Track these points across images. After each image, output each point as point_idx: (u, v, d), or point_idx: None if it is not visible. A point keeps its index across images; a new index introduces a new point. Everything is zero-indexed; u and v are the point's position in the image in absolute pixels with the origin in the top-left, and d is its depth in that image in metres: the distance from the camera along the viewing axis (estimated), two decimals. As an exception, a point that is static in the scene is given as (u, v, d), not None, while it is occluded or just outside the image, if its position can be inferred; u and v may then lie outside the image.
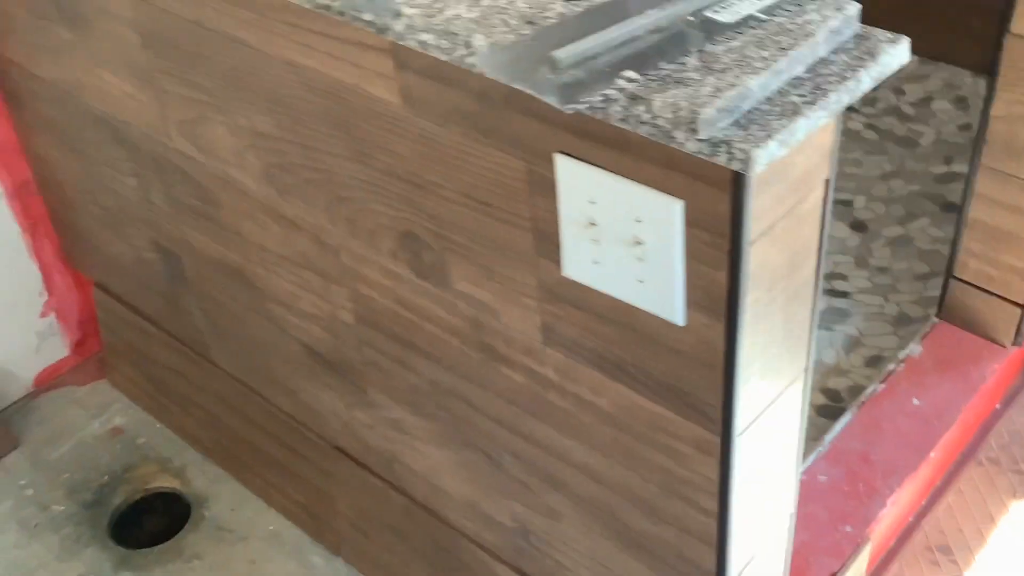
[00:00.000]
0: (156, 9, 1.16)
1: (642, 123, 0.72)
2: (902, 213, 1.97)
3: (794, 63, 0.74)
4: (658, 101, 0.71)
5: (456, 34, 0.81)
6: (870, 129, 2.19)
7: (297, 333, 1.34)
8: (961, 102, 2.23)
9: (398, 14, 0.85)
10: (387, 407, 1.27)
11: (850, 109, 2.26)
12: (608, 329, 0.92)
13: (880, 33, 0.78)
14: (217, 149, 1.24)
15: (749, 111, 0.72)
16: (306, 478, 1.53)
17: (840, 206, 1.99)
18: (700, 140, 0.70)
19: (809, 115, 0.71)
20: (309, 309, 1.28)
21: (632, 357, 0.92)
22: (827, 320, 1.76)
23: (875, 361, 1.66)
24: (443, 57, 0.83)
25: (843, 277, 1.85)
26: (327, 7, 0.90)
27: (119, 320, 1.74)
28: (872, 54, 0.76)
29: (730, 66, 0.73)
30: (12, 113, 1.63)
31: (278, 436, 1.53)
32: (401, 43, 0.86)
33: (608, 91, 0.73)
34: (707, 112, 0.69)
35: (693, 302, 0.83)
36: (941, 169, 2.06)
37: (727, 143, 0.70)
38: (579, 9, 0.81)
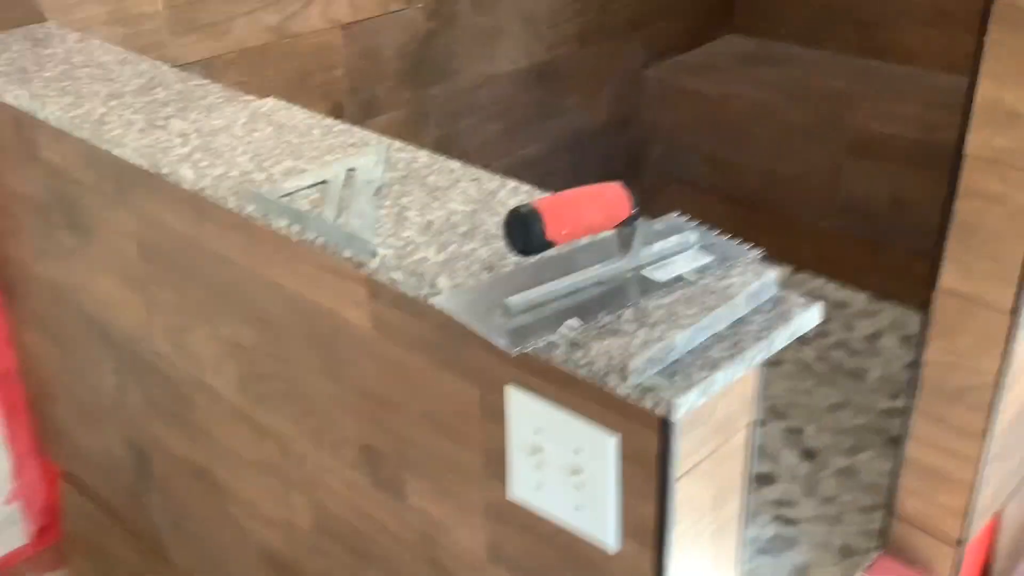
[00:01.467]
0: (157, 225, 1.27)
1: (580, 367, 0.81)
2: (849, 444, 2.05)
3: (716, 321, 0.84)
4: (595, 349, 0.81)
5: (423, 275, 0.91)
6: (821, 361, 2.30)
7: (256, 537, 1.37)
8: (907, 340, 2.36)
9: (374, 254, 0.95)
10: (337, 615, 1.30)
11: (802, 342, 2.39)
12: (549, 552, 0.98)
13: (795, 298, 0.89)
14: (198, 355, 1.32)
15: (674, 362, 0.81)
16: None
17: (791, 434, 2.08)
18: (630, 386, 0.79)
19: (727, 369, 0.81)
20: (269, 514, 1.33)
21: (570, 579, 0.97)
22: (775, 548, 1.80)
23: (820, 592, 1.70)
24: (410, 293, 0.93)
25: (791, 505, 1.90)
26: (312, 241, 1.01)
27: (81, 512, 1.76)
28: (786, 317, 0.86)
29: (660, 320, 0.83)
30: (6, 305, 1.72)
31: (227, 639, 1.53)
32: (375, 278, 0.96)
33: (552, 337, 0.82)
34: (636, 362, 0.79)
35: (626, 530, 0.89)
36: (887, 404, 2.16)
37: (653, 390, 0.78)
38: (532, 260, 0.92)
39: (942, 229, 1.47)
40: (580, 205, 0.83)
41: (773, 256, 2.93)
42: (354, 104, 2.06)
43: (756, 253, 0.92)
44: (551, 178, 2.55)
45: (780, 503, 1.91)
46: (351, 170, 1.07)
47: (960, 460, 1.57)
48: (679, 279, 0.88)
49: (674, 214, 0.98)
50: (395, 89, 2.12)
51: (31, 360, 1.73)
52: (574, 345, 0.82)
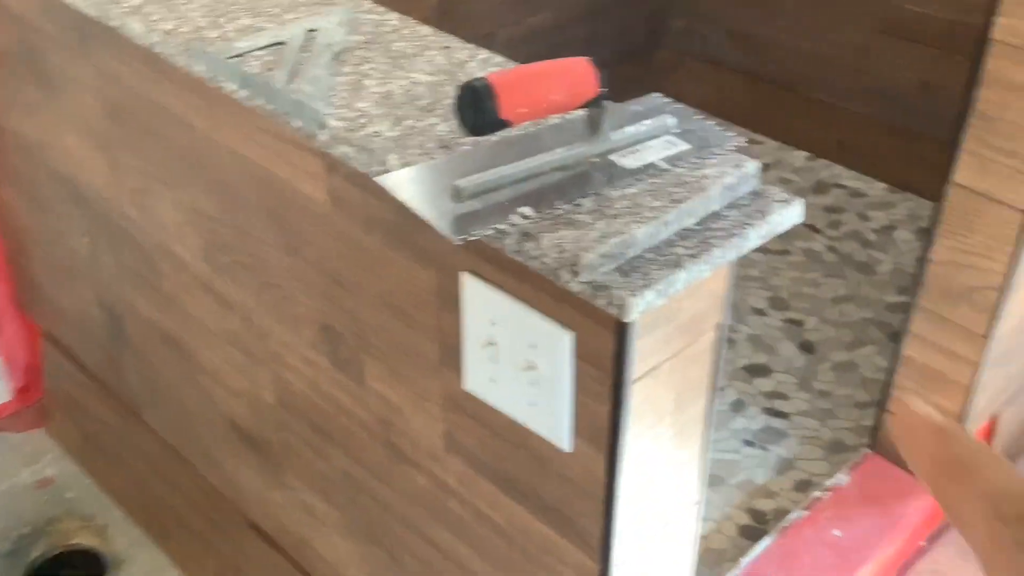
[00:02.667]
0: (116, 82, 1.20)
1: (531, 259, 0.75)
2: (851, 338, 2.00)
3: (684, 215, 0.77)
4: (546, 240, 0.74)
5: (373, 151, 0.84)
6: (831, 251, 2.23)
7: (224, 407, 1.35)
8: (923, 233, 2.27)
9: (323, 125, 0.88)
10: (300, 491, 1.28)
11: (814, 230, 2.30)
12: (504, 445, 0.94)
13: (775, 193, 0.81)
14: (161, 221, 1.26)
15: (633, 258, 0.74)
16: (222, 551, 1.53)
17: (791, 325, 2.02)
18: (582, 282, 0.73)
19: (690, 268, 0.74)
20: (235, 385, 1.30)
21: (524, 476, 0.93)
22: (763, 439, 1.77)
23: (804, 486, 1.67)
24: (361, 170, 0.86)
25: (784, 397, 1.86)
26: (262, 107, 0.93)
27: (62, 371, 1.75)
28: (764, 213, 0.79)
29: (622, 212, 0.76)
30: (-19, 159, 1.67)
31: (199, 506, 1.53)
32: (328, 151, 0.89)
33: (502, 226, 0.75)
34: (589, 257, 0.72)
35: (579, 431, 0.85)
36: (894, 298, 2.09)
37: (607, 288, 0.72)
38: (493, 139, 0.84)
39: (961, 119, 1.37)
40: (540, 81, 0.75)
41: (792, 140, 2.82)
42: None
43: (739, 140, 0.84)
44: (562, 50, 2.41)
45: (773, 395, 1.87)
46: (311, 31, 0.99)
47: (959, 362, 1.52)
48: (650, 166, 0.81)
49: (654, 94, 0.89)
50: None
51: (8, 215, 1.69)
52: (526, 235, 0.75)
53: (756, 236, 0.78)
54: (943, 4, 2.17)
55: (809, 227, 2.27)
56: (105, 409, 1.67)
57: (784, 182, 2.41)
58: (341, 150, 0.86)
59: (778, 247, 2.23)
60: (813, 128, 2.46)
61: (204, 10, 1.03)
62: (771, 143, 2.53)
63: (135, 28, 1.01)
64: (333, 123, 0.87)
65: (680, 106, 0.89)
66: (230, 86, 0.94)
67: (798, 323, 2.03)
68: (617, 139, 0.83)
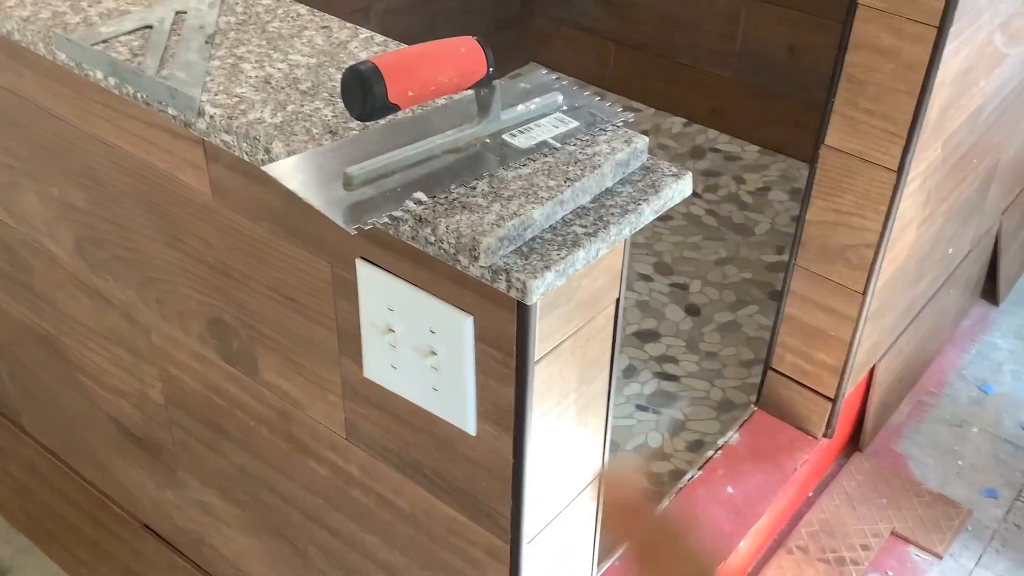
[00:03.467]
0: (-30, 72, 1.13)
1: (429, 244, 0.74)
2: (733, 299, 2.05)
3: (579, 194, 0.77)
4: (443, 225, 0.73)
5: (256, 139, 0.81)
6: (710, 215, 2.28)
7: (107, 408, 1.29)
8: (796, 194, 2.35)
9: (201, 112, 0.84)
10: (196, 489, 1.24)
11: (694, 195, 2.35)
12: (407, 432, 0.93)
13: (665, 167, 0.82)
14: (29, 217, 1.20)
15: (531, 239, 0.74)
16: (115, 556, 1.47)
17: (677, 289, 2.06)
18: (481, 267, 0.72)
19: (589, 247, 0.74)
20: (119, 385, 1.25)
21: (429, 461, 0.93)
22: (656, 403, 1.81)
23: (697, 446, 1.71)
24: (245, 158, 0.83)
25: (674, 361, 1.91)
26: (133, 96, 0.89)
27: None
28: (656, 187, 0.80)
29: (518, 193, 0.76)
30: None
31: (87, 510, 1.47)
32: (208, 139, 0.86)
33: (396, 212, 0.74)
34: (487, 241, 0.71)
35: (483, 414, 0.84)
36: (772, 258, 2.16)
37: (507, 271, 0.72)
38: (381, 123, 0.82)
39: (831, 82, 1.41)
40: (427, 63, 0.74)
41: (667, 106, 2.86)
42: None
43: (627, 116, 0.85)
44: (438, 21, 2.40)
45: (663, 359, 1.91)
46: (180, 13, 0.95)
47: (839, 318, 1.57)
48: (543, 145, 0.80)
49: (542, 71, 0.89)
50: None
51: None
52: (422, 221, 0.74)
53: (650, 211, 0.79)
54: (807, -31, 2.23)
55: (689, 192, 2.32)
56: (-23, 416, 1.58)
57: (662, 148, 2.45)
58: (222, 138, 0.83)
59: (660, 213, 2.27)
60: (687, 94, 2.51)
61: (64, -7, 0.97)
62: (648, 110, 2.57)
63: (-12, 15, 0.95)
64: (211, 110, 0.84)
65: (567, 82, 0.88)
66: (97, 75, 0.89)
67: (683, 287, 2.07)
68: (507, 119, 0.82)
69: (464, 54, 0.75)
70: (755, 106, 2.43)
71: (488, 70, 0.77)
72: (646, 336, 1.96)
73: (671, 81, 2.52)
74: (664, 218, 2.24)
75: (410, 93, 0.73)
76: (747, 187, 2.36)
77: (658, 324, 1.98)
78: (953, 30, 1.30)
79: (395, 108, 0.74)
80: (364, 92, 0.72)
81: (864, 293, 1.52)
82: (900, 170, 1.40)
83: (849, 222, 1.49)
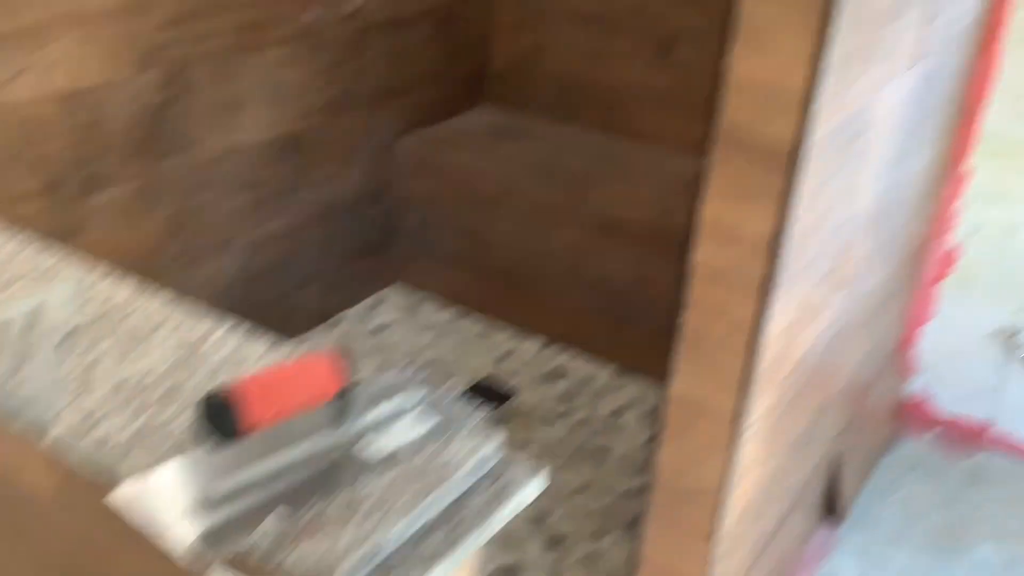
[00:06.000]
0: None
1: (284, 572, 0.74)
2: (593, 528, 2.07)
3: (433, 505, 0.79)
4: (298, 551, 0.73)
5: (100, 462, 0.80)
6: (564, 444, 2.32)
7: None
8: (648, 416, 2.43)
9: (51, 426, 0.83)
10: None
11: (547, 424, 2.40)
12: None
13: (518, 467, 0.85)
14: None
15: (388, 557, 0.75)
16: None
17: (537, 522, 2.07)
18: (338, 592, 0.72)
19: (444, 562, 0.76)
20: None
21: None
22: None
23: None
24: (93, 480, 0.82)
25: (537, 599, 1.89)
26: (-20, 402, 0.87)
27: None
28: (508, 492, 0.83)
29: (373, 509, 0.77)
30: None
31: None
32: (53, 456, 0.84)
33: (252, 538, 0.74)
34: (344, 566, 0.72)
35: None
36: (627, 484, 2.21)
37: (364, 595, 0.72)
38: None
39: (674, 311, 1.50)
40: (284, 387, 0.76)
41: (525, 328, 2.92)
42: (74, 180, 1.88)
43: (481, 414, 0.88)
44: (303, 251, 2.44)
45: (525, 598, 1.89)
46: (34, 311, 0.95)
47: (692, 559, 1.61)
48: (397, 453, 0.83)
49: (396, 369, 0.92)
50: (122, 162, 1.96)
51: None
52: (278, 544, 0.74)
53: (502, 517, 0.81)
54: (646, 207, 2.40)
55: (544, 419, 2.37)
56: None
57: (521, 371, 2.51)
58: (71, 458, 0.82)
59: (518, 441, 2.31)
60: (543, 320, 2.61)
61: (-90, 292, 0.96)
62: (508, 331, 2.64)
63: None
64: (62, 423, 0.83)
65: (421, 378, 0.92)
66: (-58, 382, 0.88)
67: (542, 518, 2.08)
68: (363, 424, 0.84)
69: (321, 374, 0.78)
70: (606, 331, 2.54)
71: (344, 383, 0.79)
72: (508, 572, 1.95)
73: (527, 308, 2.62)
74: (522, 445, 2.27)
75: (268, 416, 0.75)
76: (600, 412, 2.43)
77: (520, 558, 1.98)
78: (779, 292, 1.42)
79: (251, 432, 0.75)
80: (219, 422, 0.73)
81: (711, 536, 1.57)
82: (735, 419, 1.49)
83: (694, 468, 1.55)
